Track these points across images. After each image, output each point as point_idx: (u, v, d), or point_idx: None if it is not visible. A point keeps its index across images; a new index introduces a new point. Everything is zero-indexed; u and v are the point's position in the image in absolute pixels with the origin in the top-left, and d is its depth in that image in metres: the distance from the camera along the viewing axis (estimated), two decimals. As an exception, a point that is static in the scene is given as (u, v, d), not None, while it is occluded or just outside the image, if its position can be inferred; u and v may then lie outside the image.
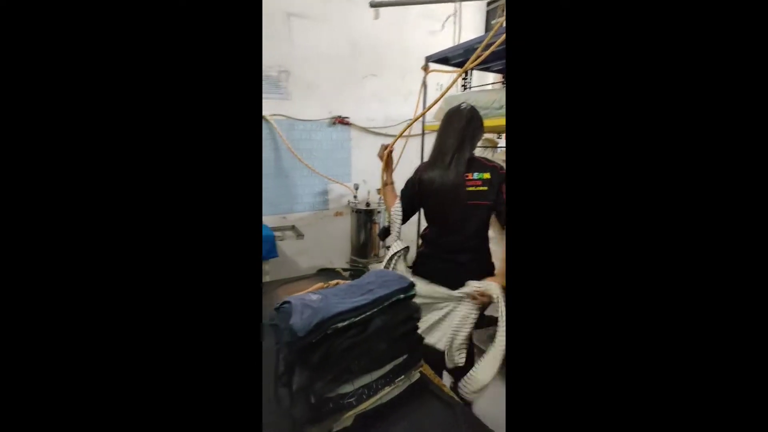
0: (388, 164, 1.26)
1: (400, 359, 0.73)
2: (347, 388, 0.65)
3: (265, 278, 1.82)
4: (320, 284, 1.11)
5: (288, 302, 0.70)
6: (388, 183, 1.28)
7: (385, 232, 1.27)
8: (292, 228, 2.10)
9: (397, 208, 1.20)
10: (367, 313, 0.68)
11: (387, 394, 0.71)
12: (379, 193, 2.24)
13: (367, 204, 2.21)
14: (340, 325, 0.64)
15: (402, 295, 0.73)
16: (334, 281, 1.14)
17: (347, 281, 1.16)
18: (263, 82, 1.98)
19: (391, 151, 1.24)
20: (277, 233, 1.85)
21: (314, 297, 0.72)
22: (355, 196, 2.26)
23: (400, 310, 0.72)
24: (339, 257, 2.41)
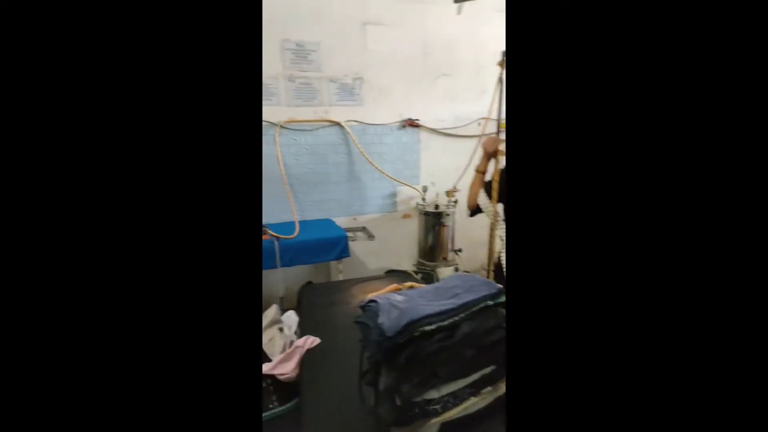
0: (493, 156, 1.29)
1: (488, 369, 0.69)
2: (433, 394, 0.63)
3: (338, 276, 1.90)
4: (395, 285, 1.11)
5: (374, 301, 0.71)
6: (481, 171, 1.35)
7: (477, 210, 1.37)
8: (363, 229, 2.16)
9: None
10: (455, 318, 0.65)
11: (473, 404, 0.68)
12: (448, 195, 2.19)
13: (436, 206, 2.17)
14: (427, 328, 0.62)
15: (490, 302, 0.69)
16: (408, 283, 1.13)
17: (421, 284, 1.14)
18: (339, 90, 2.09)
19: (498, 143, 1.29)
20: (349, 234, 1.92)
21: (399, 297, 0.72)
22: (423, 199, 2.24)
23: (488, 317, 0.68)
24: (406, 259, 2.41)
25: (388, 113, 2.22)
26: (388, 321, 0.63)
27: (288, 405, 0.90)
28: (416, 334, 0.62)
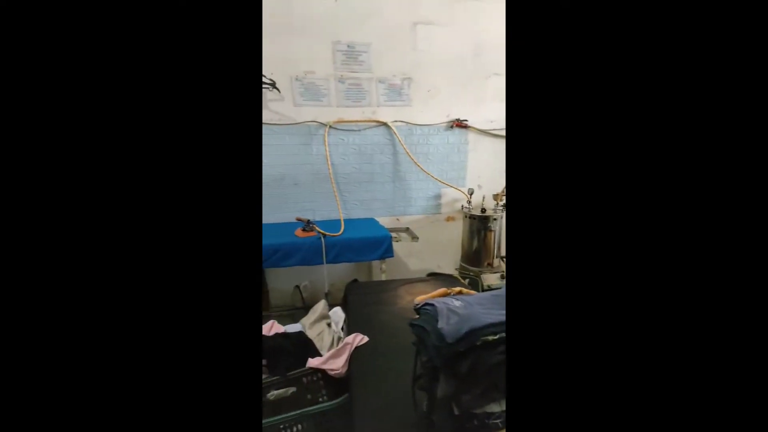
0: None
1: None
2: (494, 408, 0.61)
3: (381, 276, 1.90)
4: (444, 290, 1.09)
5: (431, 304, 0.69)
6: None
7: None
8: (407, 230, 2.15)
9: None
10: (519, 330, 0.62)
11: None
12: (495, 199, 2.10)
13: (483, 210, 2.10)
14: (491, 338, 0.60)
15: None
16: (456, 288, 1.10)
17: (470, 290, 1.10)
18: (387, 90, 2.09)
19: None
20: (393, 234, 1.92)
21: (457, 303, 0.70)
22: (469, 201, 2.18)
23: (555, 331, 0.64)
24: (447, 263, 2.36)
25: (435, 113, 2.19)
26: (447, 326, 0.61)
27: (338, 400, 0.91)
28: (478, 343, 0.60)
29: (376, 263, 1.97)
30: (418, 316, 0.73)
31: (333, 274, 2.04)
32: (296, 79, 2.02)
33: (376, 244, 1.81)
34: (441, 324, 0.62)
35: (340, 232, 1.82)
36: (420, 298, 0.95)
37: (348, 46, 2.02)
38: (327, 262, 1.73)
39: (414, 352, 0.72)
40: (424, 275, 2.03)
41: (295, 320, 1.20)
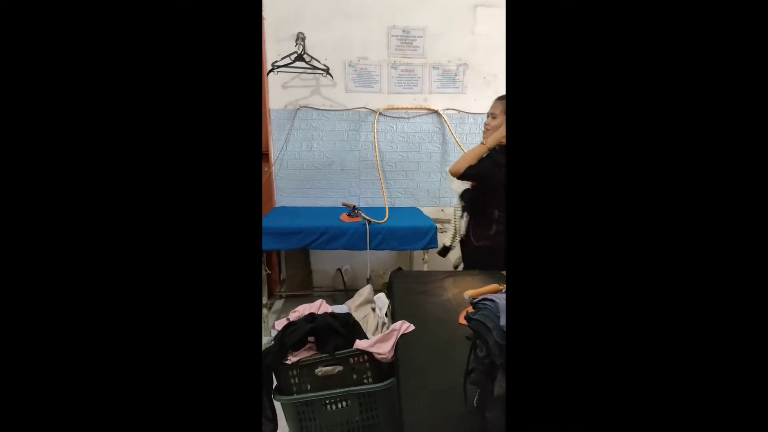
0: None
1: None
2: (556, 412, 0.58)
3: (423, 266, 1.89)
4: (495, 285, 1.05)
5: (492, 300, 0.67)
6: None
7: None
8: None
9: None
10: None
11: None
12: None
13: (534, 206, 1.99)
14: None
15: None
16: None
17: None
18: (441, 77, 2.03)
19: None
20: (438, 225, 1.89)
21: (519, 301, 0.66)
22: (519, 196, 2.08)
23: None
24: (491, 258, 2.29)
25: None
26: (509, 324, 0.58)
27: (383, 383, 0.92)
28: (543, 343, 0.56)
29: (417, 253, 1.95)
30: (473, 310, 0.71)
31: (373, 260, 2.06)
32: (349, 65, 2.03)
33: (421, 234, 1.80)
34: (503, 320, 0.60)
35: (385, 220, 1.83)
36: (470, 292, 0.93)
37: (403, 30, 1.98)
38: (371, 249, 1.75)
39: (470, 346, 0.71)
40: (463, 271, 1.99)
41: (335, 302, 1.23)
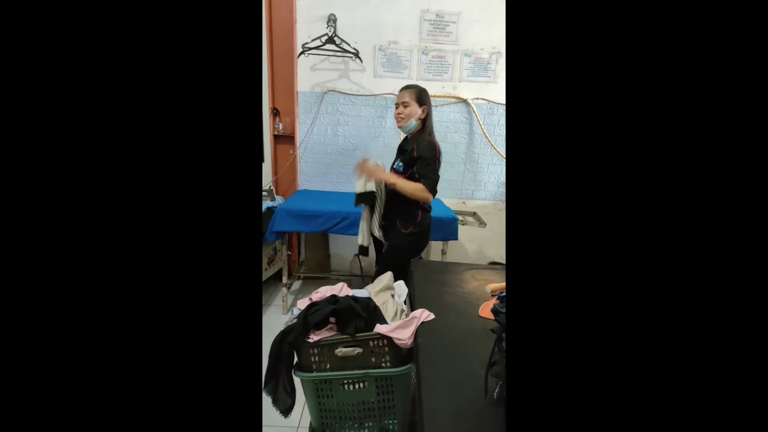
0: None
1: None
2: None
3: (442, 258, 1.89)
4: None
5: (520, 294, 0.66)
6: None
7: None
8: (474, 215, 2.08)
9: None
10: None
11: None
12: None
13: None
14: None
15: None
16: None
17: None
18: (472, 65, 1.97)
19: None
20: (459, 217, 1.87)
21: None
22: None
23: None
24: (510, 254, 2.26)
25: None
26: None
27: (402, 368, 0.94)
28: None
29: (437, 244, 1.95)
30: (500, 302, 0.71)
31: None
32: (379, 49, 2.00)
33: (442, 225, 1.78)
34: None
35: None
36: (493, 287, 0.92)
37: (437, 15, 1.92)
38: (391, 236, 1.75)
39: (494, 339, 0.70)
40: (484, 263, 1.97)
41: (352, 287, 1.25)
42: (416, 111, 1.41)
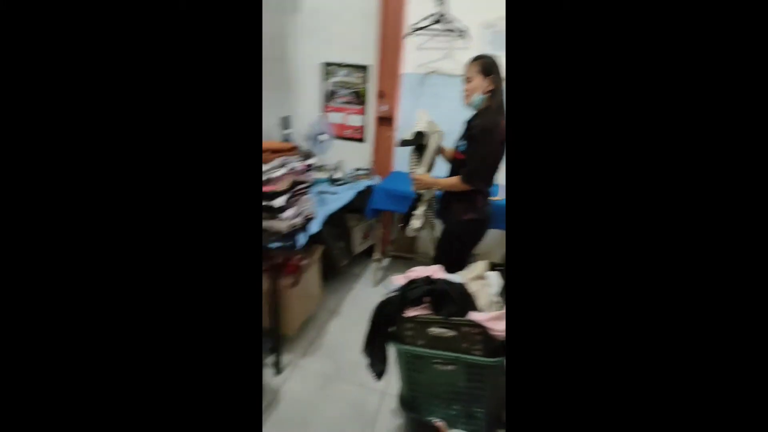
0: None
1: None
2: None
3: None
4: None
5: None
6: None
7: None
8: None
9: None
10: None
11: None
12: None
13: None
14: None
15: None
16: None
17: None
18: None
19: None
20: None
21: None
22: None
23: None
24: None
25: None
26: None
27: (493, 360, 0.93)
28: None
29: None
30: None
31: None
32: (486, 27, 1.87)
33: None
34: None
35: (499, 198, 1.73)
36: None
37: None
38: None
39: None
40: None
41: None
42: (481, 84, 1.26)
